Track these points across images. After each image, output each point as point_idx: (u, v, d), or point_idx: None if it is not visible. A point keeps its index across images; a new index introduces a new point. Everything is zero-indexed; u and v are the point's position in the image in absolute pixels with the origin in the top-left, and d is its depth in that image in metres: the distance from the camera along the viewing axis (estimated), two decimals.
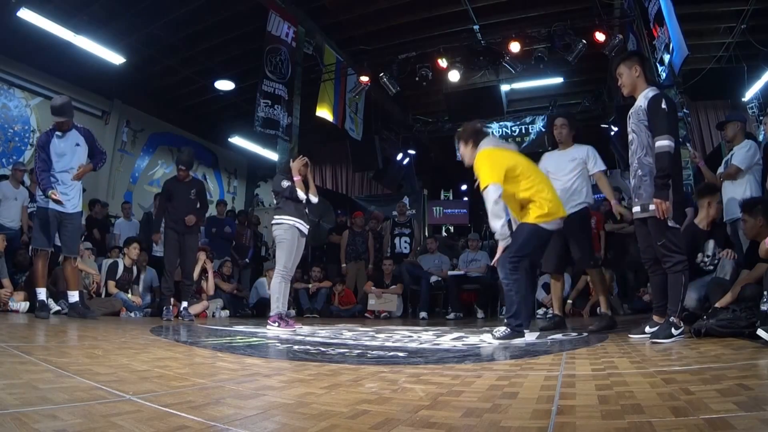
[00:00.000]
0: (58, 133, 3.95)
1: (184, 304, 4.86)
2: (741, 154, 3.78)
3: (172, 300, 4.85)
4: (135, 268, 5.48)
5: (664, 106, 2.56)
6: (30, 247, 4.00)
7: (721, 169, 4.00)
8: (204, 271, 5.47)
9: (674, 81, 5.95)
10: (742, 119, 4.12)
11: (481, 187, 2.76)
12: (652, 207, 2.56)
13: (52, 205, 3.82)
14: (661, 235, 2.58)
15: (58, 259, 4.39)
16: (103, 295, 5.12)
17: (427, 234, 10.59)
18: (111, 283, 5.15)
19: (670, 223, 2.56)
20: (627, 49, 6.69)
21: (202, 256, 5.47)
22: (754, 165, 3.75)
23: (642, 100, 2.69)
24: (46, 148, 3.90)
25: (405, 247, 7.28)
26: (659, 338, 2.49)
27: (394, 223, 7.52)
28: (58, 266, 4.47)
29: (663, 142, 2.51)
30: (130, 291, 5.29)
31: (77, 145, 4.07)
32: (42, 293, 3.85)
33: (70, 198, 3.93)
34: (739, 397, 1.08)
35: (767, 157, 3.82)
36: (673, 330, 2.49)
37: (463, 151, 3.02)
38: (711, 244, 3.32)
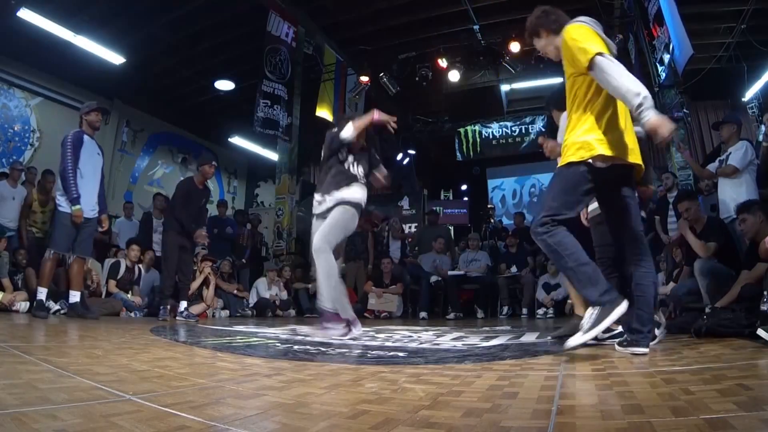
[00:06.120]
0: (87, 135, 3.97)
1: (184, 304, 4.84)
2: (737, 155, 3.90)
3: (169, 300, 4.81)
4: (136, 269, 5.48)
5: None
6: (50, 251, 3.94)
7: (716, 164, 4.14)
8: (206, 281, 5.46)
9: (674, 81, 5.96)
10: (738, 122, 4.23)
11: (583, 63, 1.86)
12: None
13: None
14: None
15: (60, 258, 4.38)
16: (103, 294, 5.12)
17: None
18: (112, 282, 5.16)
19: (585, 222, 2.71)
20: (627, 49, 6.71)
21: (206, 268, 5.47)
22: (749, 165, 3.87)
23: None
24: (78, 148, 3.87)
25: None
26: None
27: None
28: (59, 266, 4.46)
29: None
30: (131, 291, 5.29)
31: (98, 153, 4.12)
32: (43, 293, 3.85)
33: (93, 206, 4.03)
34: (739, 397, 1.08)
35: (765, 157, 3.89)
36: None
37: (544, 44, 2.21)
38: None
